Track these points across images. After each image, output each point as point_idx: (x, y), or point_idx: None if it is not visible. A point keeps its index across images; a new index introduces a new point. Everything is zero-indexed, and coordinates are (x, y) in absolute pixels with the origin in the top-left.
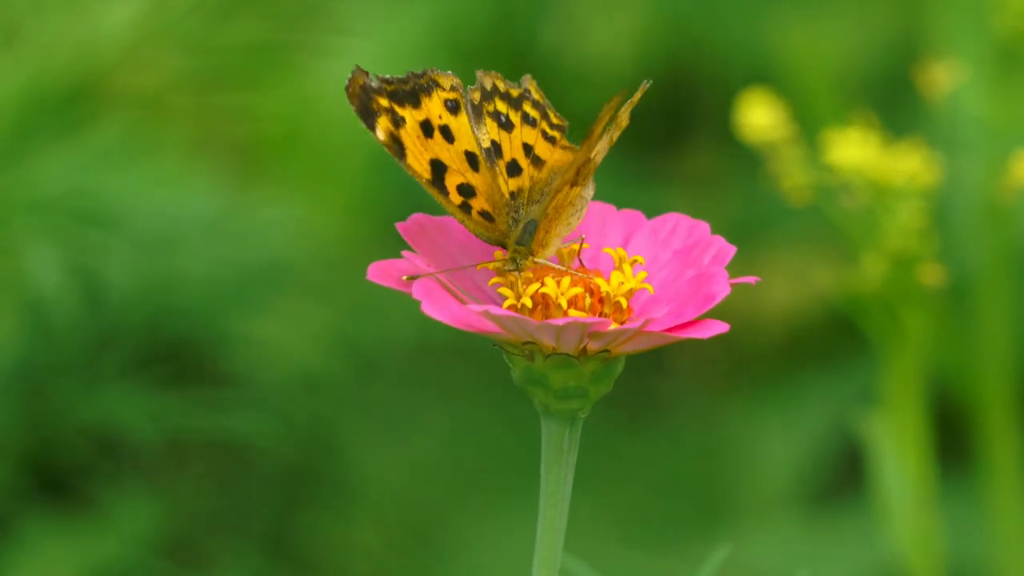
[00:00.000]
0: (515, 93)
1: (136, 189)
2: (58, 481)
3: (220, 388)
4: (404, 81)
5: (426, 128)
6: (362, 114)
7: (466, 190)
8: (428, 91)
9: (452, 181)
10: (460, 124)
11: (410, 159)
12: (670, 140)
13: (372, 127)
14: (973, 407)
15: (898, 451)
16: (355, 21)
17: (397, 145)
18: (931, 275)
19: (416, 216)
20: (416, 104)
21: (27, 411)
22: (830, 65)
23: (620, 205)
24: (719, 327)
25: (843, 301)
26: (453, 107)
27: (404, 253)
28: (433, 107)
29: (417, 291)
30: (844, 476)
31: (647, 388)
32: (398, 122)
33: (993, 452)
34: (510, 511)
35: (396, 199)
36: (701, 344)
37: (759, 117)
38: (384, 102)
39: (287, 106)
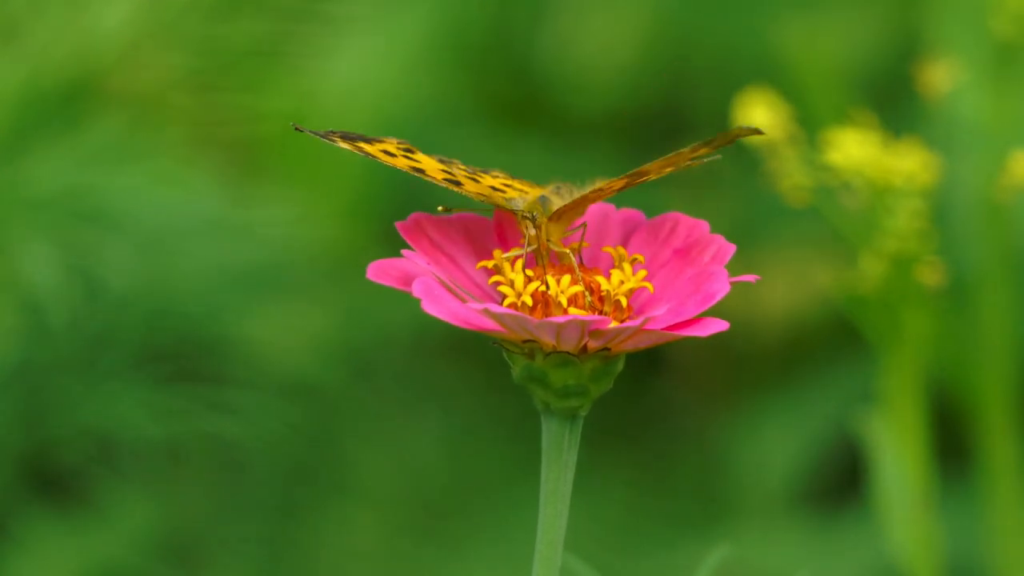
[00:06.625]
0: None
1: (134, 188)
2: (57, 481)
3: (218, 387)
4: (352, 136)
5: (389, 153)
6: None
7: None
8: (376, 141)
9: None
10: (422, 157)
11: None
12: (669, 140)
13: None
14: (973, 407)
15: (898, 451)
16: (354, 22)
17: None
18: (930, 275)
19: (416, 215)
20: (368, 143)
21: (26, 410)
22: (830, 65)
23: (619, 204)
24: (719, 325)
25: (843, 301)
26: (407, 149)
27: (404, 252)
28: (387, 146)
29: (417, 289)
30: (844, 476)
31: (647, 387)
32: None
33: (993, 452)
34: (509, 511)
35: (394, 199)
36: (701, 343)
37: (759, 117)
38: (345, 144)
39: (286, 105)
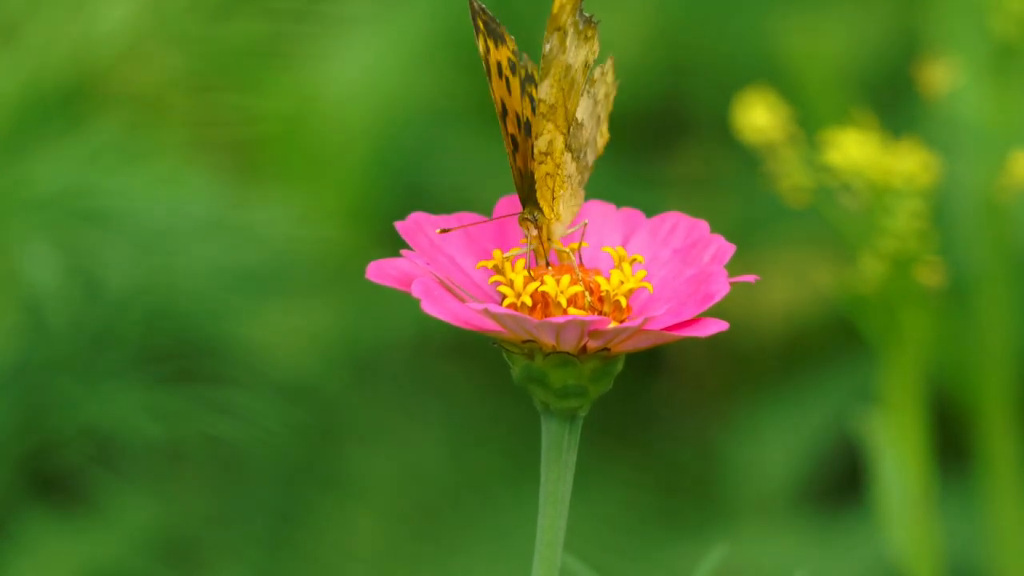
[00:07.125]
0: None
1: (134, 188)
2: (57, 481)
3: (218, 387)
4: (494, 19)
5: (499, 69)
6: (473, 18)
7: (513, 142)
8: (502, 39)
9: (510, 126)
10: (515, 85)
11: (493, 84)
12: (669, 140)
13: (476, 34)
14: (973, 407)
15: (898, 451)
16: (354, 23)
17: (486, 65)
18: (930, 275)
19: (415, 215)
20: (496, 44)
21: (26, 410)
22: (830, 65)
23: (619, 204)
24: (718, 325)
25: (843, 301)
26: (512, 67)
27: (403, 252)
28: (502, 56)
29: (416, 289)
30: (844, 476)
31: (646, 388)
32: (487, 49)
33: (993, 452)
34: (509, 511)
35: (395, 199)
36: (700, 344)
37: (758, 117)
38: (481, 24)
39: (286, 105)
